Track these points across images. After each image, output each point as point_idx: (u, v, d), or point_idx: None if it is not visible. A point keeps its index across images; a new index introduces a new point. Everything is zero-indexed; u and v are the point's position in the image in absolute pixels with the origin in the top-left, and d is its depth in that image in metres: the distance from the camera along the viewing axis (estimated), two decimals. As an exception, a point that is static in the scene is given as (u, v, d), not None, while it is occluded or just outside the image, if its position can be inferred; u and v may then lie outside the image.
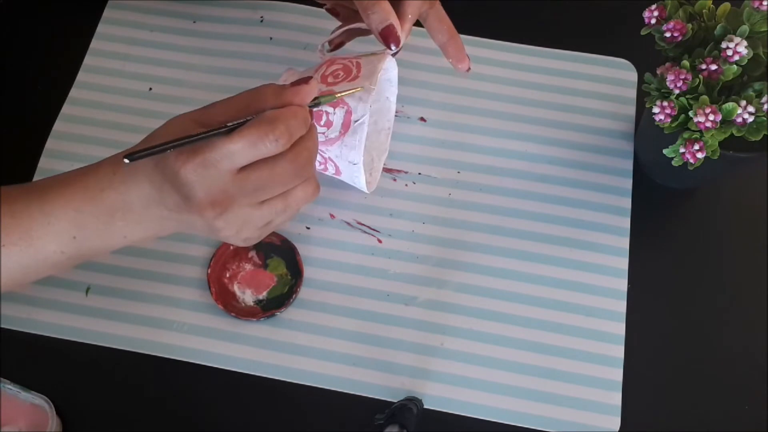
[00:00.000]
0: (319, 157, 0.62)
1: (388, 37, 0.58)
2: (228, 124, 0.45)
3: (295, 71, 0.64)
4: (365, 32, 0.62)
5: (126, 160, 0.43)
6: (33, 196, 0.48)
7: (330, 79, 0.60)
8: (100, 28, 0.77)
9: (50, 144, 0.71)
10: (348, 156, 0.60)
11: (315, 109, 0.59)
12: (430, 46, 0.72)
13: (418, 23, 0.63)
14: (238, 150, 0.45)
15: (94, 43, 0.76)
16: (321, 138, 0.60)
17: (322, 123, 0.60)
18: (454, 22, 0.62)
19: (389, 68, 0.66)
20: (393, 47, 0.59)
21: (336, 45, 0.66)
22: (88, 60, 0.75)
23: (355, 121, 0.58)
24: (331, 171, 0.64)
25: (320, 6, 0.69)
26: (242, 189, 0.46)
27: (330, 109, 0.59)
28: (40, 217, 0.47)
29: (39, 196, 0.48)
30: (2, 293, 0.64)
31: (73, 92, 0.74)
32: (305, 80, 0.48)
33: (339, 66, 0.61)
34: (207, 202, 0.45)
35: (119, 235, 0.49)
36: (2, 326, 0.64)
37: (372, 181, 0.68)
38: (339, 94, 0.56)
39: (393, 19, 0.58)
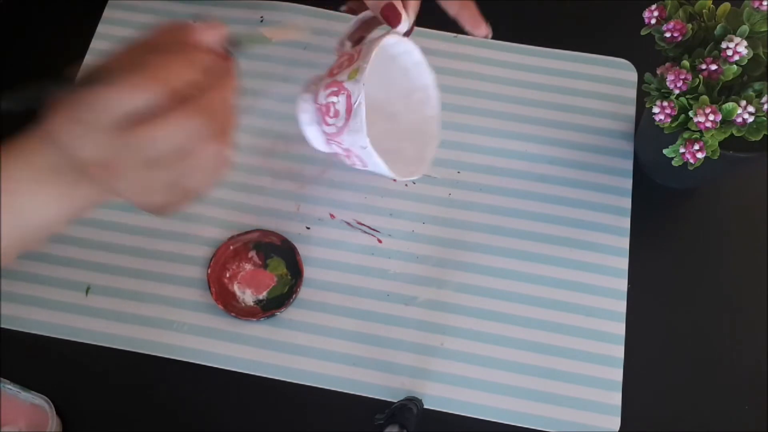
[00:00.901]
0: (342, 151, 0.62)
1: (389, 16, 0.58)
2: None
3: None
4: (379, 21, 0.62)
5: None
6: None
7: (335, 71, 0.59)
8: (100, 28, 0.77)
9: (50, 144, 0.71)
10: (357, 141, 0.59)
11: (322, 104, 0.58)
12: (429, 46, 0.72)
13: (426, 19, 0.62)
14: (113, 100, 0.40)
15: (94, 43, 0.76)
16: (333, 130, 0.60)
17: (330, 114, 0.59)
18: (455, 23, 0.62)
19: (410, 50, 0.63)
20: (399, 27, 0.59)
21: (356, 40, 0.65)
22: (88, 60, 0.75)
23: (354, 103, 0.58)
24: (359, 164, 0.62)
25: (324, 7, 0.69)
26: (125, 144, 0.41)
27: (335, 99, 0.59)
28: None
29: None
30: (2, 293, 0.65)
31: (73, 92, 0.74)
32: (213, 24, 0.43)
33: (345, 57, 0.60)
34: (94, 163, 0.41)
35: (35, 216, 0.44)
36: (2, 326, 0.64)
37: (416, 172, 0.65)
38: (269, 36, 0.52)
39: None
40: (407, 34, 0.61)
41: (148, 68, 0.41)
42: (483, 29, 0.62)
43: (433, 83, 0.67)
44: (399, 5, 0.58)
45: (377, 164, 0.60)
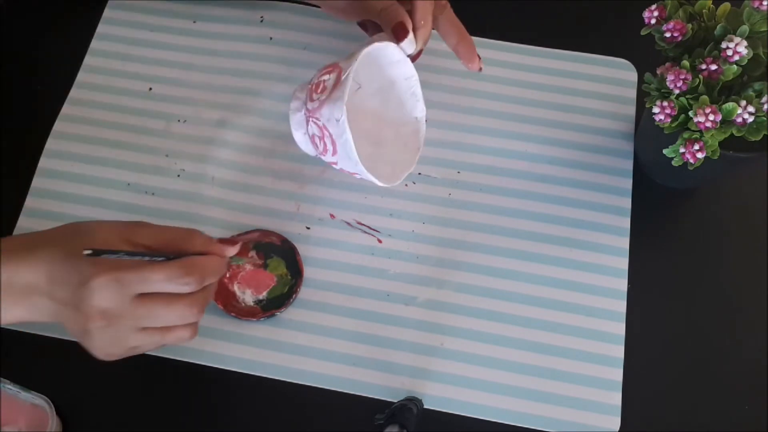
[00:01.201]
0: (319, 134, 0.61)
1: (398, 31, 0.60)
2: (157, 257, 0.49)
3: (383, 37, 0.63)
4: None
5: (88, 251, 0.46)
6: None
7: (315, 95, 0.60)
8: (100, 28, 0.77)
9: (50, 144, 0.71)
10: (334, 113, 0.58)
11: (313, 83, 0.59)
12: (430, 47, 0.71)
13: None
14: (154, 280, 0.47)
15: (94, 43, 0.76)
16: (315, 105, 0.60)
17: (318, 91, 0.59)
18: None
19: (387, 52, 0.63)
20: (402, 43, 0.60)
21: None
22: (88, 60, 0.75)
23: (344, 76, 0.58)
24: (339, 161, 0.62)
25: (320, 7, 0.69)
26: (134, 312, 0.48)
27: (327, 77, 0.59)
28: None
29: None
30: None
31: (73, 92, 0.74)
32: (232, 240, 0.54)
33: (331, 74, 0.60)
34: (99, 311, 0.47)
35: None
36: (2, 326, 0.64)
37: (391, 176, 0.64)
38: (247, 265, 0.66)
39: (402, 16, 0.59)
40: (414, 59, 0.63)
41: (195, 268, 0.49)
42: (476, 64, 0.65)
43: (416, 82, 0.66)
44: (408, 24, 0.60)
45: (349, 144, 0.58)
